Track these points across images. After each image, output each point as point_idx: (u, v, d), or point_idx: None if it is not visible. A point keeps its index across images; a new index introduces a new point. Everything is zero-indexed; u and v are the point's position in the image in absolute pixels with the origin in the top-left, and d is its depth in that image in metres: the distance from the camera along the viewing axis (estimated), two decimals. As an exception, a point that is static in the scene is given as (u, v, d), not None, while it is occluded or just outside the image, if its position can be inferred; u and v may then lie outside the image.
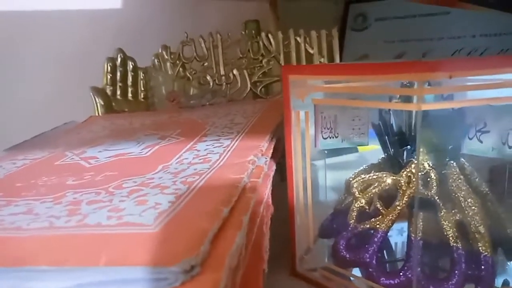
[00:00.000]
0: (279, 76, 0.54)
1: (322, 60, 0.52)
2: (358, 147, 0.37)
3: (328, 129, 0.28)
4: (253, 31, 0.53)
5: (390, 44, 0.74)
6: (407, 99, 0.26)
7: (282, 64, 0.53)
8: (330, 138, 0.29)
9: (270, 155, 0.27)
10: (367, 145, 0.30)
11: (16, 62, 0.65)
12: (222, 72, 0.52)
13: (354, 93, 0.26)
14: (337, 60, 0.53)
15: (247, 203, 0.19)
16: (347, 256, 0.28)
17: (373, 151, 0.34)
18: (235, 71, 0.52)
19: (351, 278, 0.29)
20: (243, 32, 0.53)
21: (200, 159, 0.26)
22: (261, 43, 0.53)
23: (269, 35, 0.53)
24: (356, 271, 0.29)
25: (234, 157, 0.26)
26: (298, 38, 0.53)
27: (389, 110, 0.28)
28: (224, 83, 0.52)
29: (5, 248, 0.16)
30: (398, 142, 0.28)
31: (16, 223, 0.18)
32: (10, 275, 0.14)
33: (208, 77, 0.52)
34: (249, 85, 0.53)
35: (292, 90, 0.27)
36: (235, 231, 0.16)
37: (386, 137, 0.29)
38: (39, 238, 0.16)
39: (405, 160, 0.29)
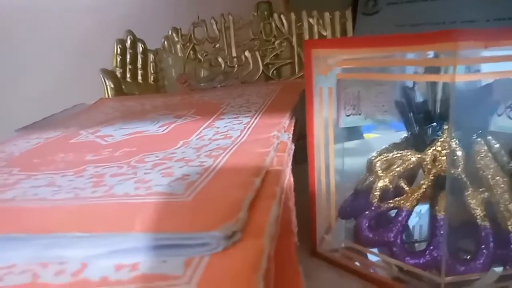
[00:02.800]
0: (291, 58, 0.53)
1: (335, 42, 0.51)
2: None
3: (351, 106, 0.28)
4: (265, 12, 0.52)
5: (402, 28, 0.73)
6: (434, 72, 0.25)
7: (295, 46, 0.52)
8: (353, 115, 0.28)
9: (292, 132, 0.26)
10: (391, 123, 0.29)
11: (23, 46, 0.64)
12: (234, 54, 0.51)
13: (380, 68, 0.25)
14: (351, 42, 0.52)
15: (277, 175, 0.18)
16: (370, 235, 0.28)
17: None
18: (247, 53, 0.51)
19: (373, 258, 0.29)
20: (255, 13, 0.52)
21: (221, 135, 0.25)
22: (273, 24, 0.52)
23: (282, 16, 0.51)
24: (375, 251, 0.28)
25: (256, 133, 0.25)
26: (311, 20, 0.52)
27: (414, 86, 0.28)
28: (236, 65, 0.51)
29: (30, 217, 0.15)
30: (423, 119, 0.28)
31: (39, 194, 0.18)
32: (35, 242, 0.14)
33: (220, 59, 0.51)
34: (261, 67, 0.52)
35: (315, 65, 0.26)
36: (270, 201, 0.15)
37: (411, 114, 0.28)
38: (66, 208, 0.16)
39: (430, 138, 0.28)
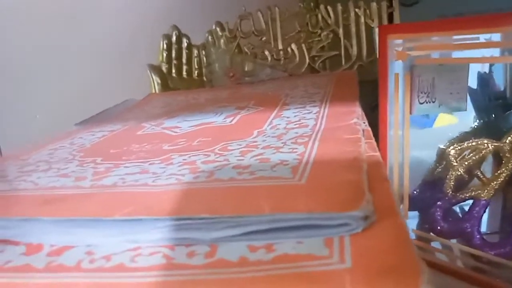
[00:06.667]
0: (337, 50, 0.52)
1: (383, 32, 0.51)
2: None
3: (425, 93, 0.27)
4: (312, 4, 0.51)
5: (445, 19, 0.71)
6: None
7: (341, 38, 0.51)
8: (427, 103, 0.27)
9: (366, 120, 0.26)
10: (465, 110, 0.28)
11: (67, 43, 0.65)
12: (280, 47, 0.51)
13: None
14: (398, 32, 0.51)
15: (377, 160, 0.18)
16: (445, 226, 0.27)
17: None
18: (293, 46, 0.51)
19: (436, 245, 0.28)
20: (301, 5, 0.52)
21: (295, 125, 0.25)
22: (319, 16, 0.51)
23: (328, 8, 0.51)
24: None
25: (333, 121, 0.25)
26: (357, 10, 0.51)
27: (491, 71, 0.27)
28: (282, 58, 0.51)
29: (143, 201, 0.15)
30: (500, 106, 0.27)
31: (140, 180, 0.18)
32: (161, 224, 0.14)
33: (266, 52, 0.51)
34: (307, 60, 0.51)
35: (391, 52, 0.25)
36: (385, 183, 0.15)
37: (488, 101, 0.27)
38: (176, 192, 0.16)
39: (507, 126, 0.27)
